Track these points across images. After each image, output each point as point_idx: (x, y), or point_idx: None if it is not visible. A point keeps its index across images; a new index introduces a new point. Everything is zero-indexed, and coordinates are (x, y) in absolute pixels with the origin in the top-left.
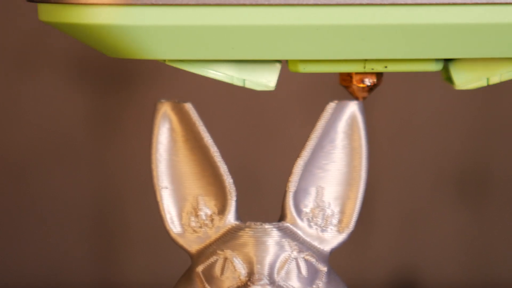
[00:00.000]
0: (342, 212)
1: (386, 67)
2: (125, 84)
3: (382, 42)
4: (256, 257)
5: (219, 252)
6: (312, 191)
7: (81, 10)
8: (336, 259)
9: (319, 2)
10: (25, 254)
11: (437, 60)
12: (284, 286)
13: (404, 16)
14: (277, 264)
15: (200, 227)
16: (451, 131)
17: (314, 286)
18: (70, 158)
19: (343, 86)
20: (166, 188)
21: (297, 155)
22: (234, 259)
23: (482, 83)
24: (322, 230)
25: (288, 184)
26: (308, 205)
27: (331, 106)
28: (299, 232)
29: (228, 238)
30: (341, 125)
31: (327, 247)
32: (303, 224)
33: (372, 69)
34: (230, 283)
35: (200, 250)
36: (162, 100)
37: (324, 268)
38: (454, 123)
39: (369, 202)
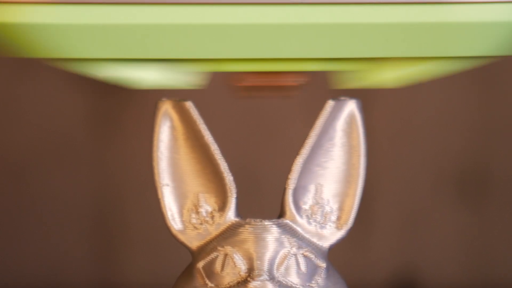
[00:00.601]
0: (340, 209)
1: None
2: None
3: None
4: (256, 253)
5: (219, 248)
6: (311, 188)
7: None
8: (337, 259)
9: (214, 2)
10: (25, 254)
11: (354, 59)
12: (284, 282)
13: (311, 16)
14: (277, 260)
15: (201, 223)
16: (451, 131)
17: (313, 282)
18: (70, 158)
19: (232, 86)
20: (167, 185)
21: (296, 153)
22: (234, 255)
23: (400, 81)
24: (321, 227)
25: (287, 182)
26: (307, 202)
27: (330, 104)
28: (299, 229)
29: (228, 234)
30: (340, 124)
31: (326, 244)
32: (302, 220)
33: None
34: (230, 279)
35: (200, 246)
36: (163, 99)
37: (323, 264)
38: (454, 123)
39: (369, 202)
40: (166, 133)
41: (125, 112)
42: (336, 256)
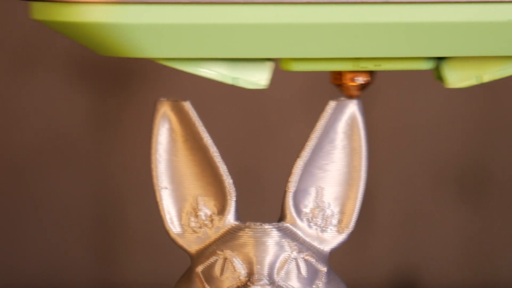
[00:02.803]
0: (341, 212)
1: (378, 65)
2: (125, 84)
3: (373, 41)
4: (256, 257)
5: (218, 252)
6: (312, 191)
7: (73, 8)
8: (336, 259)
9: (311, 1)
10: (25, 254)
11: (429, 58)
12: (284, 286)
13: (395, 14)
14: (277, 264)
15: (200, 227)
16: (451, 130)
17: (314, 286)
18: (70, 158)
19: (335, 84)
20: (166, 188)
21: (297, 155)
22: (234, 259)
23: (474, 81)
24: (322, 230)
25: (287, 185)
26: (308, 205)
27: (331, 105)
28: (299, 232)
29: (228, 238)
30: (341, 125)
31: (327, 247)
32: (303, 224)
33: (364, 67)
34: (230, 283)
35: (199, 250)
36: (162, 99)
37: (323, 268)
38: (454, 123)
39: (369, 202)
40: (164, 135)
41: (125, 113)
42: (336, 256)
